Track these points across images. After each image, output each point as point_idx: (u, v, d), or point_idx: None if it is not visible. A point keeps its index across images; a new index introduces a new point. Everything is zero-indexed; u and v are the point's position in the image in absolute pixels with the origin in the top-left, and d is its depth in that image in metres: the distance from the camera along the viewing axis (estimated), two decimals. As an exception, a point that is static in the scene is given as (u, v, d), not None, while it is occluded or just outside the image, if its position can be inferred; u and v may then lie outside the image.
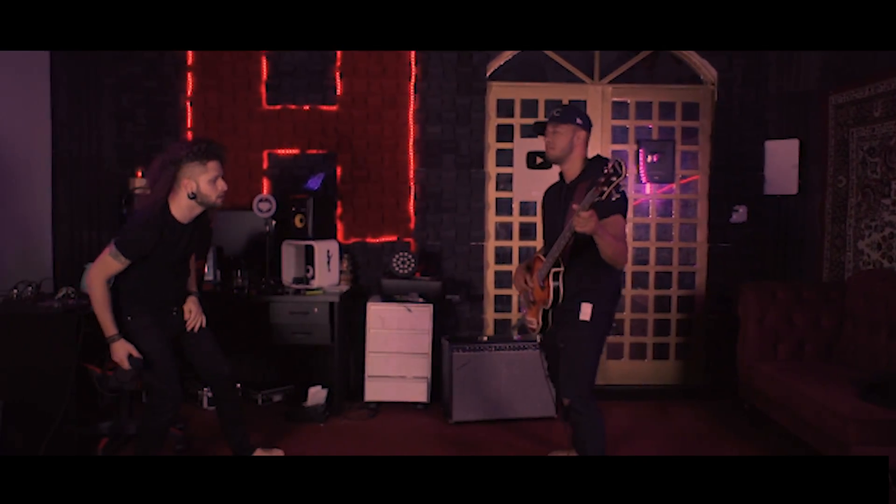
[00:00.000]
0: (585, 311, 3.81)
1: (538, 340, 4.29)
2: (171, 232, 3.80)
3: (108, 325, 3.76)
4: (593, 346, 3.89)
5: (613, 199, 3.45)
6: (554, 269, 3.84)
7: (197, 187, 3.75)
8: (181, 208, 3.80)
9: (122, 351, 3.78)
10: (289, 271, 5.77)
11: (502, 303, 6.58)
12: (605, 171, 3.36)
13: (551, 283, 3.83)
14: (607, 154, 6.25)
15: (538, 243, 6.44)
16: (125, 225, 3.86)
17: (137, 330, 3.86)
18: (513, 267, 6.49)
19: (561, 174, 4.06)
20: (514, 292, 6.52)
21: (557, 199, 4.00)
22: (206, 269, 5.65)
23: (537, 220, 4.37)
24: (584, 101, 6.42)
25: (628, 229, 6.31)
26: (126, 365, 3.78)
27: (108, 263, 3.74)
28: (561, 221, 3.83)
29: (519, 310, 6.52)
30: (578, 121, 3.92)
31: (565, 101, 6.42)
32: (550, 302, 3.85)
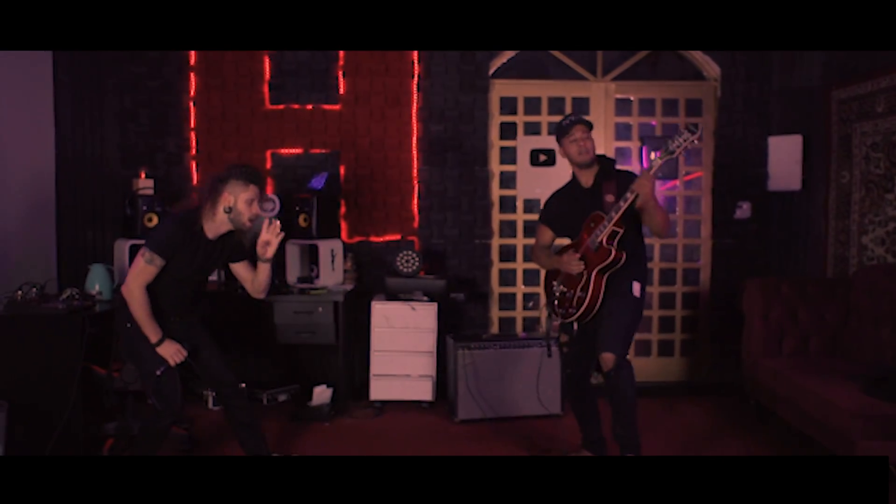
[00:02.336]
0: (636, 289, 4.16)
1: (574, 328, 4.40)
2: (195, 241, 3.90)
3: (153, 331, 3.82)
4: (637, 316, 4.23)
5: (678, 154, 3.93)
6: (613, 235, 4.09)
7: (234, 203, 3.87)
8: (214, 222, 3.91)
9: (171, 349, 3.85)
10: (293, 271, 5.78)
11: (507, 300, 6.58)
12: (680, 136, 3.86)
13: (609, 245, 4.07)
14: (610, 152, 6.28)
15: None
16: (154, 228, 3.97)
17: (138, 336, 3.85)
18: (517, 265, 6.51)
19: (575, 180, 4.33)
20: (518, 290, 6.53)
21: (576, 203, 4.27)
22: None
23: (539, 226, 4.54)
24: (588, 98, 6.42)
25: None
26: (179, 359, 3.85)
27: (144, 269, 3.78)
28: (584, 210, 4.20)
29: (524, 308, 6.54)
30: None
31: (569, 99, 6.43)
32: (611, 260, 4.05)
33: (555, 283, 4.35)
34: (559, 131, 4.24)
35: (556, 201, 4.45)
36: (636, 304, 4.18)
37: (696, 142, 3.86)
